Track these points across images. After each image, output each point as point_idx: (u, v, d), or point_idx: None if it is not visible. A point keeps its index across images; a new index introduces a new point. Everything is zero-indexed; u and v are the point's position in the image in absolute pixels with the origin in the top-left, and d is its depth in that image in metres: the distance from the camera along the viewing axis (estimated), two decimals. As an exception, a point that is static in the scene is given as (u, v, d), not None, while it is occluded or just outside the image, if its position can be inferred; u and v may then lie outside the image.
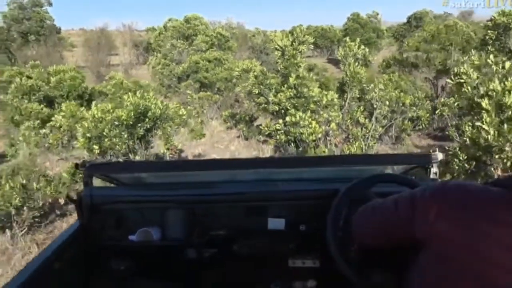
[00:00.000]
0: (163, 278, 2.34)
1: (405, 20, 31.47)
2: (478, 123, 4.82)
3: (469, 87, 5.41)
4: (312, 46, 10.09)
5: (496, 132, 4.59)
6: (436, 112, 8.23)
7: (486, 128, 4.63)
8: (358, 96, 7.97)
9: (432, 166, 1.95)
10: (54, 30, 27.24)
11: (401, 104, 7.17)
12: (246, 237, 2.15)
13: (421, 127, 8.26)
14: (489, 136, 4.61)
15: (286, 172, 2.31)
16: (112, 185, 2.34)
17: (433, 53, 11.03)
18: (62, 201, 6.10)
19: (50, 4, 26.85)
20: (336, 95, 7.15)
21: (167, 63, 14.23)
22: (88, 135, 5.60)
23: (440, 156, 1.90)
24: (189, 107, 8.25)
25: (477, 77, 5.56)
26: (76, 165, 2.11)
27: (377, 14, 31.24)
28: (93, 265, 2.21)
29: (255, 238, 2.15)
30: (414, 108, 7.44)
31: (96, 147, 5.66)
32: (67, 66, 12.59)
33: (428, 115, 8.29)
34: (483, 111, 4.80)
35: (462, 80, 5.67)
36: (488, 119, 4.65)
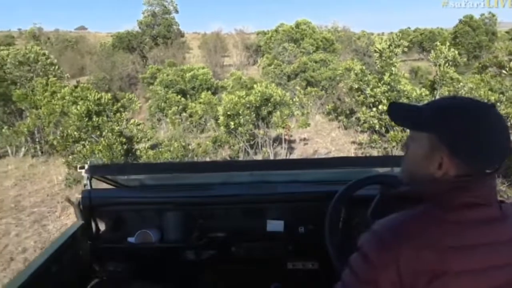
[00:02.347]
0: (161, 279, 2.41)
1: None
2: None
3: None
4: (406, 49, 11.06)
5: None
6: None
7: None
8: (448, 93, 8.94)
9: None
10: (179, 34, 30.73)
11: (486, 101, 8.06)
12: (245, 239, 2.17)
13: (508, 123, 8.94)
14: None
15: (284, 174, 2.30)
16: (112, 187, 2.38)
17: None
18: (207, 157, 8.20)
19: (177, 11, 30.42)
20: (427, 92, 8.29)
21: (279, 63, 16.11)
22: (228, 113, 7.62)
23: None
24: (295, 98, 9.86)
25: None
26: (76, 167, 2.35)
27: (493, 16, 29.90)
28: (92, 267, 2.26)
29: (253, 240, 2.17)
30: (498, 104, 8.26)
31: (232, 123, 7.66)
32: (197, 65, 15.14)
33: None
34: None
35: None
36: None
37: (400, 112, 1.10)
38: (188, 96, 13.51)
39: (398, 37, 8.64)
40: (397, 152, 7.72)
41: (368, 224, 1.09)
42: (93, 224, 2.22)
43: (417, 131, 1.04)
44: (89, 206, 2.16)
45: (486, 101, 8.64)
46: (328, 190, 1.90)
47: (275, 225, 2.18)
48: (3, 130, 10.74)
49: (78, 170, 2.14)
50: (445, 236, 0.89)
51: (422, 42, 30.65)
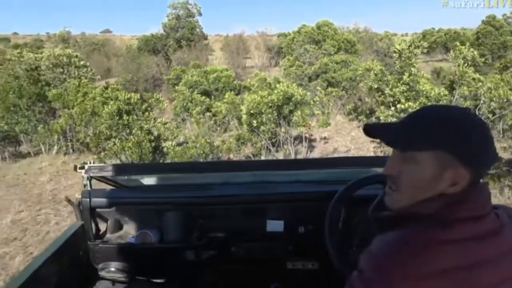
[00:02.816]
0: (161, 280, 2.41)
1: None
2: None
3: None
4: (429, 50, 11.21)
5: None
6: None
7: None
8: (468, 93, 9.09)
9: None
10: (202, 37, 31.29)
11: (505, 100, 8.18)
12: (245, 239, 2.17)
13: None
14: None
15: (284, 174, 2.30)
16: (111, 187, 2.38)
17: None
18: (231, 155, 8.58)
19: (200, 14, 31.00)
20: (446, 92, 8.46)
21: (300, 65, 16.40)
22: (251, 112, 7.98)
23: None
24: (316, 97, 10.13)
25: None
26: (75, 167, 2.15)
27: (517, 15, 29.45)
28: (92, 267, 2.26)
29: (253, 240, 2.16)
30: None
31: (254, 121, 8.01)
32: (221, 67, 15.57)
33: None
34: None
35: None
36: None
37: (389, 133, 1.00)
38: (211, 96, 13.93)
39: (418, 38, 8.83)
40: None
41: (368, 224, 1.09)
42: (93, 225, 2.21)
43: (417, 151, 0.94)
44: (89, 206, 2.16)
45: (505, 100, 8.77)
46: (328, 190, 1.91)
47: (275, 225, 2.18)
48: (39, 128, 11.34)
49: (78, 171, 2.12)
50: (443, 258, 0.84)
51: (446, 42, 30.39)
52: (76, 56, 12.59)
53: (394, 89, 8.18)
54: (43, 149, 12.03)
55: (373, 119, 10.94)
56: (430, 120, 0.94)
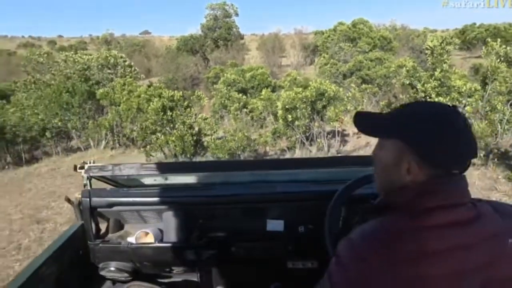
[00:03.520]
0: (162, 279, 2.42)
1: None
2: None
3: None
4: (465, 46, 11.27)
5: None
6: None
7: None
8: (505, 89, 9.16)
9: None
10: (238, 37, 31.99)
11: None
12: (245, 239, 2.16)
13: None
14: None
15: (284, 173, 2.28)
16: (112, 187, 2.38)
17: None
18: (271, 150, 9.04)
19: (237, 15, 31.70)
20: (479, 87, 8.61)
21: (335, 63, 16.68)
22: (287, 107, 8.45)
23: None
24: (348, 93, 10.45)
25: None
26: (75, 167, 2.14)
27: None
28: (92, 267, 2.26)
29: (253, 240, 2.16)
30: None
31: (289, 116, 8.48)
32: (257, 66, 16.11)
33: None
34: None
35: None
36: None
37: (366, 120, 1.12)
38: (248, 94, 14.47)
39: (450, 35, 9.00)
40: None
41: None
42: (93, 224, 2.22)
43: (383, 138, 1.06)
44: (89, 206, 2.16)
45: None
46: (327, 190, 1.91)
47: (275, 225, 2.19)
48: (89, 124, 12.24)
49: (78, 170, 2.12)
50: (415, 244, 0.90)
51: (486, 38, 29.59)
52: (122, 57, 13.45)
53: (425, 85, 8.41)
54: (92, 144, 12.92)
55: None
56: (401, 113, 1.04)
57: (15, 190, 9.14)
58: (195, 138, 9.16)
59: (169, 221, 2.22)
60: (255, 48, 34.76)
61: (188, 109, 9.83)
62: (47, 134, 12.76)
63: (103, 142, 12.79)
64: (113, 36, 38.36)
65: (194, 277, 2.36)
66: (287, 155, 9.15)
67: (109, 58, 13.00)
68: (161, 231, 2.26)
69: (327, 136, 9.08)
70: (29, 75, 15.86)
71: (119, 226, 2.38)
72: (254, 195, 2.17)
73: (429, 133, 0.96)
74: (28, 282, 1.70)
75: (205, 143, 9.34)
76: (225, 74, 14.65)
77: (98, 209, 2.23)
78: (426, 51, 9.14)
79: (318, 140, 8.84)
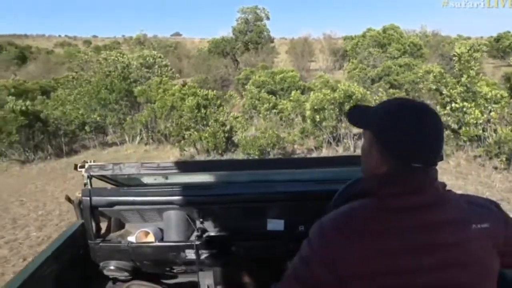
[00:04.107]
0: (161, 279, 2.42)
1: None
2: None
3: None
4: (488, 55, 11.39)
5: None
6: None
7: None
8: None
9: None
10: (269, 40, 32.41)
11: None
12: (245, 238, 2.17)
13: None
14: None
15: (284, 173, 2.29)
16: (112, 186, 2.38)
17: None
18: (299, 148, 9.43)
19: (268, 18, 32.15)
20: (506, 94, 8.79)
21: (363, 67, 16.93)
22: (315, 107, 8.85)
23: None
24: (376, 97, 10.74)
25: None
26: (75, 166, 2.11)
27: None
28: (92, 266, 2.26)
29: (254, 240, 2.17)
30: None
31: (317, 116, 8.88)
32: (287, 68, 16.54)
33: None
34: None
35: None
36: None
37: (355, 113, 1.21)
38: (277, 95, 14.89)
39: (482, 42, 9.20)
40: (470, 148, 8.36)
41: None
42: (93, 223, 2.21)
43: (363, 129, 1.15)
44: (89, 205, 2.16)
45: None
46: (328, 189, 1.90)
47: (275, 224, 2.20)
48: (127, 119, 12.93)
49: (78, 169, 2.12)
50: (377, 223, 0.99)
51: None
52: (160, 57, 14.13)
53: (451, 90, 8.65)
54: (127, 139, 13.61)
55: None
56: (379, 107, 1.13)
57: (59, 177, 9.86)
58: (226, 135, 9.66)
59: (169, 221, 2.24)
60: (284, 51, 35.12)
61: (221, 108, 10.34)
62: (86, 128, 13.52)
63: (138, 138, 13.45)
64: (146, 37, 39.48)
65: (194, 277, 2.34)
66: (314, 154, 9.53)
67: (147, 58, 13.69)
68: (161, 230, 2.28)
69: (353, 137, 9.41)
70: (74, 71, 16.77)
71: (120, 225, 2.40)
72: (255, 194, 2.16)
73: (392, 126, 1.04)
74: (28, 281, 1.70)
75: (236, 140, 9.83)
76: (255, 76, 15.14)
77: (99, 208, 2.23)
78: (454, 58, 9.37)
79: (345, 140, 9.19)
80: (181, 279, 2.47)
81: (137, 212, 2.30)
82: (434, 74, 9.54)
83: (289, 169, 2.22)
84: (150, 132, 13.14)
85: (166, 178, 2.34)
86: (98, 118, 13.35)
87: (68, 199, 2.26)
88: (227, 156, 9.79)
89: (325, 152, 9.37)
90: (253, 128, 12.14)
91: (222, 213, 2.25)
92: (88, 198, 2.15)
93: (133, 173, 2.13)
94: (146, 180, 2.40)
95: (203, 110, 9.92)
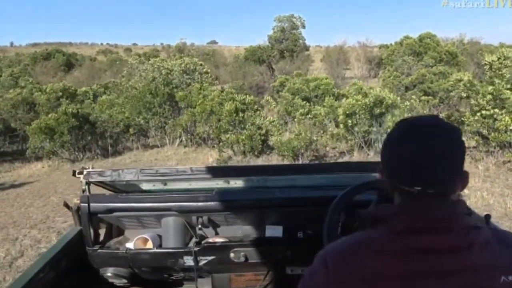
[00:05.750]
0: (160, 285, 2.41)
1: None
2: None
3: None
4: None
5: None
6: None
7: None
8: None
9: None
10: (304, 48, 32.96)
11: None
12: (244, 244, 2.14)
13: None
14: None
15: (282, 179, 2.30)
16: (110, 192, 2.37)
17: None
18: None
19: (304, 27, 32.75)
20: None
21: (398, 75, 17.17)
22: (347, 112, 9.31)
23: None
24: (406, 103, 11.02)
25: None
26: (74, 172, 2.12)
27: None
28: (90, 273, 2.25)
29: (252, 246, 2.13)
30: None
31: (349, 121, 9.33)
32: (321, 76, 17.01)
33: None
34: None
35: None
36: None
37: None
38: (311, 102, 15.36)
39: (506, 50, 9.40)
40: (500, 153, 8.56)
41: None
42: (91, 230, 2.20)
43: None
44: (88, 211, 2.14)
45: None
46: (327, 195, 1.89)
47: (274, 230, 2.19)
48: (169, 122, 13.73)
49: (77, 176, 2.12)
50: (382, 267, 0.87)
51: None
52: (201, 65, 14.95)
53: (479, 98, 8.89)
54: (167, 141, 14.39)
55: (465, 127, 11.51)
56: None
57: (107, 175, 10.65)
58: (262, 138, 10.25)
59: (168, 227, 2.24)
60: (319, 59, 35.47)
61: (258, 112, 10.95)
62: (130, 130, 14.44)
63: (177, 140, 14.20)
64: (185, 45, 40.86)
65: (193, 283, 2.33)
66: (346, 158, 9.95)
67: (188, 65, 14.52)
68: (159, 236, 2.27)
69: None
70: (122, 76, 17.89)
71: (118, 231, 2.39)
72: (253, 200, 2.16)
73: (393, 144, 0.95)
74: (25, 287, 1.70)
75: (271, 143, 10.39)
76: (290, 83, 15.71)
77: (97, 215, 2.22)
78: (485, 66, 9.58)
79: (375, 144, 9.58)
80: (179, 286, 2.47)
81: (135, 219, 2.29)
82: (464, 82, 9.78)
83: (288, 175, 2.25)
84: (189, 135, 13.87)
85: (165, 184, 2.35)
86: (142, 121, 14.19)
87: (66, 206, 2.24)
88: (263, 158, 10.35)
89: (356, 155, 9.77)
90: (287, 133, 12.66)
91: (221, 219, 2.24)
92: (86, 205, 2.13)
93: (131, 179, 2.14)
94: (144, 186, 2.42)
95: (240, 114, 10.55)
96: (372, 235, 0.94)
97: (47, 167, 12.88)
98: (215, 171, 2.24)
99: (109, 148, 14.30)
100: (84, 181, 2.12)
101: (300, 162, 9.41)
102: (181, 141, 14.12)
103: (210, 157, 11.43)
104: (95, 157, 13.75)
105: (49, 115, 13.42)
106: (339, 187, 1.85)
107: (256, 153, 10.19)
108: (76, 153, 13.64)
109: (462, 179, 0.92)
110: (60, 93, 17.29)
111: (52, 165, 13.10)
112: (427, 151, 0.88)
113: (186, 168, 2.10)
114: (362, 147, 9.79)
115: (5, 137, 17.13)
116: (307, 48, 34.06)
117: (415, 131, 0.92)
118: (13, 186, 10.46)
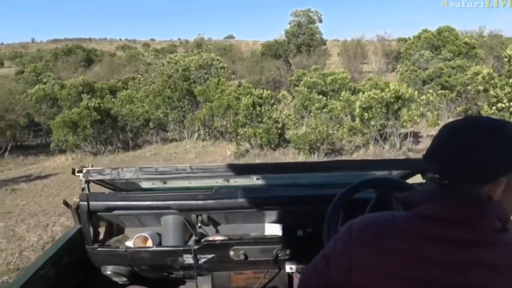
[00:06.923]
0: (160, 284, 2.41)
1: None
2: None
3: None
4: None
5: None
6: None
7: None
8: None
9: None
10: (321, 43, 32.82)
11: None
12: (243, 243, 2.15)
13: None
14: None
15: (282, 177, 2.32)
16: (110, 190, 2.35)
17: None
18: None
19: (321, 21, 32.60)
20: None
21: (415, 69, 17.11)
22: (364, 106, 9.42)
23: None
24: (422, 96, 11.07)
25: None
26: (73, 171, 2.12)
27: None
28: (90, 271, 2.26)
29: (252, 244, 2.15)
30: None
31: (366, 114, 9.44)
32: (338, 70, 17.06)
33: None
34: None
35: None
36: None
37: None
38: (328, 96, 15.44)
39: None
40: None
41: None
42: (91, 228, 2.20)
43: None
44: (87, 210, 2.14)
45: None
46: (326, 194, 1.91)
47: (273, 229, 2.20)
48: (188, 117, 14.02)
49: (76, 174, 2.11)
50: (401, 245, 0.89)
51: None
52: (218, 60, 15.17)
53: (498, 91, 8.90)
54: (186, 135, 14.69)
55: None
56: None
57: (129, 167, 11.02)
58: (279, 131, 10.43)
59: (168, 225, 2.24)
60: (336, 53, 35.30)
61: (274, 106, 11.13)
62: (150, 124, 14.78)
63: (196, 134, 14.48)
64: (203, 40, 41.15)
65: (193, 282, 2.34)
66: (361, 151, 10.07)
67: (205, 60, 14.76)
68: (159, 235, 2.28)
69: (399, 135, 9.85)
70: (139, 73, 18.25)
71: (117, 230, 2.40)
72: (252, 199, 2.15)
73: (440, 144, 0.93)
74: (24, 286, 1.71)
75: (288, 137, 10.56)
76: (306, 77, 15.81)
77: (96, 213, 2.22)
78: (504, 59, 9.55)
79: (391, 138, 9.67)
80: (179, 284, 2.49)
81: (135, 217, 2.29)
82: (483, 75, 9.76)
83: (287, 173, 2.26)
84: (207, 129, 14.12)
85: (164, 183, 2.34)
86: (161, 115, 14.50)
87: (66, 204, 2.23)
88: (279, 151, 10.53)
89: (372, 149, 9.88)
90: (304, 127, 12.81)
91: (220, 218, 2.25)
92: (86, 203, 2.13)
93: (131, 177, 2.13)
94: (144, 184, 2.42)
95: (257, 108, 10.74)
96: (399, 215, 0.96)
97: (71, 159, 13.30)
98: (215, 170, 2.20)
99: (130, 141, 14.67)
100: (83, 179, 2.11)
101: (316, 155, 9.59)
102: (199, 135, 14.39)
103: (228, 150, 11.67)
104: (116, 150, 14.12)
105: (72, 110, 13.82)
106: (339, 185, 1.88)
107: (272, 146, 10.37)
108: (98, 146, 14.04)
109: (497, 183, 0.87)
110: (81, 88, 17.71)
111: (75, 157, 13.50)
112: (459, 144, 0.88)
113: (185, 166, 2.11)
114: (378, 141, 9.88)
115: (30, 131, 17.73)
116: (324, 42, 33.86)
117: (456, 125, 0.93)
118: (39, 177, 10.88)
